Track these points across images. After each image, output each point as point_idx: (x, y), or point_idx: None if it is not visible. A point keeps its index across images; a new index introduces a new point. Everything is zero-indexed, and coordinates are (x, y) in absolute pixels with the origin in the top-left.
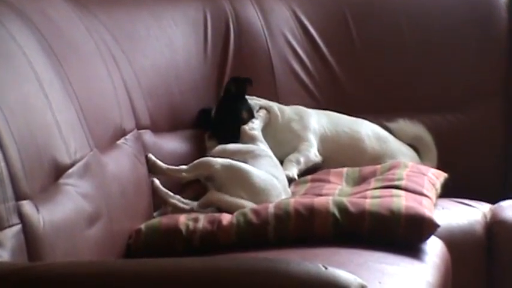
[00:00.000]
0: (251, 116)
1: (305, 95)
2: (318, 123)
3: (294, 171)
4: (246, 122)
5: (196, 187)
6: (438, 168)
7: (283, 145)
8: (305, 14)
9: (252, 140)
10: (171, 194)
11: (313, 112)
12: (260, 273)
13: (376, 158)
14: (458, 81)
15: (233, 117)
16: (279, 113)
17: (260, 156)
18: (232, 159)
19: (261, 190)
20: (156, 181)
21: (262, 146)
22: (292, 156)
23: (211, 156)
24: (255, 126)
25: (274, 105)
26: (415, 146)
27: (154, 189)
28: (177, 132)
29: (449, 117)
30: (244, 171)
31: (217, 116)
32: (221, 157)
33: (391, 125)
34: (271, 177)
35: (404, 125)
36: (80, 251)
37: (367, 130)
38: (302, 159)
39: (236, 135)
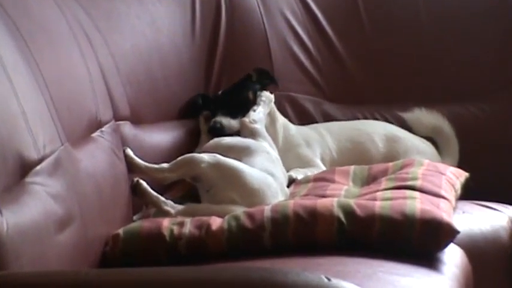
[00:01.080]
0: (255, 100)
1: (307, 83)
2: (322, 148)
3: (299, 175)
4: (250, 102)
5: (182, 186)
6: (459, 165)
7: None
8: None
9: (252, 134)
10: (155, 194)
11: (314, 134)
12: (254, 285)
13: (387, 162)
14: (481, 68)
15: (238, 94)
16: (280, 130)
17: (256, 152)
18: (226, 155)
19: (254, 191)
20: (143, 183)
21: (263, 142)
22: (301, 169)
23: (203, 151)
24: (256, 118)
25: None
26: (433, 140)
27: (139, 191)
28: (161, 124)
29: (471, 108)
30: (235, 170)
31: (220, 95)
32: (215, 152)
33: (406, 116)
34: (266, 175)
35: (421, 115)
36: (49, 259)
37: (371, 135)
38: (310, 173)
39: (235, 113)
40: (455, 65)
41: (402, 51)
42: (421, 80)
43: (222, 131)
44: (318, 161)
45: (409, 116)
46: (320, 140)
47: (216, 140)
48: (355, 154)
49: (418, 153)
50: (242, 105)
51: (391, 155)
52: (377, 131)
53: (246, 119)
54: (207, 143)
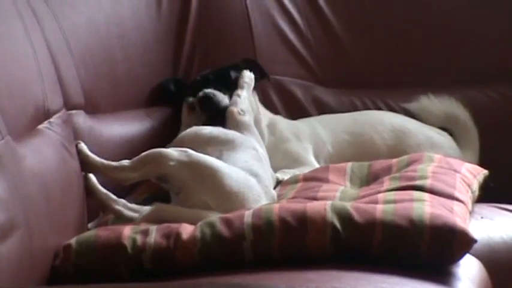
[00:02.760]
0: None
1: (295, 64)
2: (316, 142)
3: (286, 176)
4: (232, 84)
5: (148, 186)
6: (480, 160)
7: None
8: None
9: (237, 127)
10: (114, 197)
11: (305, 127)
12: None
13: (395, 157)
14: (499, 45)
15: (220, 75)
16: (265, 130)
17: (240, 148)
18: (205, 147)
19: (232, 194)
20: (93, 178)
21: (250, 137)
22: (289, 169)
23: (177, 143)
24: (244, 108)
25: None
26: (448, 130)
27: (89, 190)
28: (122, 114)
29: (488, 92)
30: (210, 169)
31: (199, 79)
32: (193, 143)
33: (412, 106)
34: (247, 176)
35: (429, 103)
36: None
37: (375, 126)
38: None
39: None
40: (468, 44)
41: (407, 28)
42: (430, 60)
43: (215, 105)
44: (311, 158)
45: (414, 106)
46: (311, 132)
47: (195, 129)
48: (356, 148)
49: (433, 147)
50: (227, 86)
51: (400, 149)
52: (381, 121)
53: (234, 109)
54: (184, 132)
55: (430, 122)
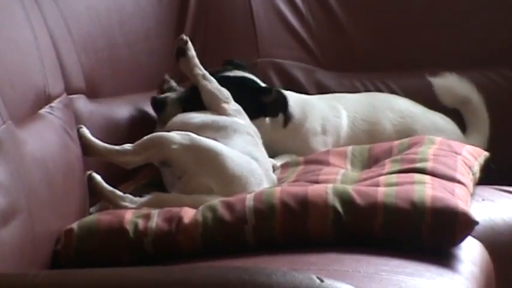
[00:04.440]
0: None
1: (296, 47)
2: (337, 133)
3: (280, 162)
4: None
5: (148, 172)
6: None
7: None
8: None
9: (217, 103)
10: (119, 193)
11: (332, 117)
12: None
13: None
14: (507, 30)
15: None
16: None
17: (235, 133)
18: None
19: (235, 178)
20: (97, 177)
21: (244, 122)
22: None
23: (166, 129)
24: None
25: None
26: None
27: (95, 188)
28: (123, 98)
29: (493, 76)
30: (213, 153)
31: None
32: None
33: (436, 82)
34: (249, 159)
35: (454, 82)
36: None
37: (386, 113)
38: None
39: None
40: (472, 26)
41: (409, 11)
42: (432, 43)
43: (162, 109)
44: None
45: (439, 82)
46: (336, 123)
47: (181, 117)
48: (370, 137)
49: (437, 132)
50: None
51: (406, 135)
52: (391, 107)
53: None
54: (172, 120)
55: (446, 101)
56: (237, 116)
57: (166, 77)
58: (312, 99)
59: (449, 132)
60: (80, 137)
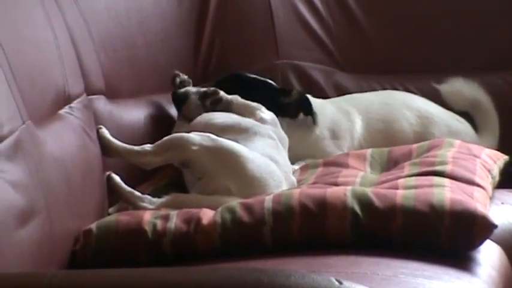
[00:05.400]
0: None
1: (316, 49)
2: (351, 137)
3: (298, 165)
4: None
5: (167, 172)
6: (499, 146)
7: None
8: None
9: (250, 113)
10: (138, 194)
11: (341, 118)
12: None
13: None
14: None
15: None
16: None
17: (256, 135)
18: (218, 136)
19: (255, 180)
20: (116, 178)
21: (267, 125)
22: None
23: (189, 128)
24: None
25: None
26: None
27: (113, 189)
28: (142, 99)
29: (508, 77)
30: (233, 155)
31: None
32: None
33: (443, 88)
34: (268, 161)
35: (461, 86)
36: (7, 258)
37: (402, 111)
38: None
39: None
40: (491, 30)
41: (430, 14)
42: (449, 46)
43: (183, 103)
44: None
45: (446, 88)
46: (349, 127)
47: (206, 117)
48: (387, 137)
49: (452, 134)
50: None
51: (424, 136)
52: (408, 105)
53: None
54: (195, 120)
55: (456, 105)
56: (266, 123)
57: (177, 71)
58: (322, 103)
59: (463, 134)
60: (99, 138)
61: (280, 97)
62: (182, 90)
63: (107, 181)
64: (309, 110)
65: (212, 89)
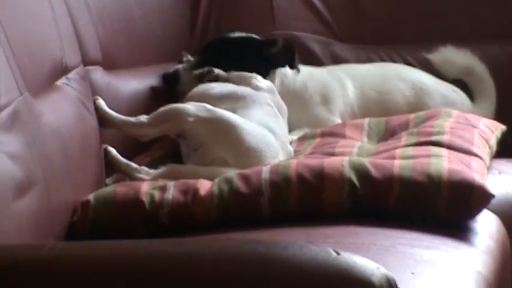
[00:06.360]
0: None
1: (313, 19)
2: (344, 103)
3: (296, 136)
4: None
5: (163, 144)
6: (496, 115)
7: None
8: None
9: (246, 82)
10: (135, 165)
11: (334, 84)
12: (247, 260)
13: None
14: None
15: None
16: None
17: (254, 103)
18: (216, 107)
19: (251, 151)
20: (113, 150)
21: (265, 93)
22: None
23: (185, 100)
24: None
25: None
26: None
27: (110, 162)
28: (140, 69)
29: (507, 48)
30: (229, 125)
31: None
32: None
33: (433, 57)
34: (265, 131)
35: (451, 54)
36: (5, 230)
37: (398, 83)
38: None
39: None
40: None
41: None
42: (448, 17)
43: (176, 83)
44: (335, 120)
45: (436, 57)
46: (341, 92)
47: (202, 87)
48: (381, 108)
49: (447, 104)
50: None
51: (418, 107)
52: (403, 77)
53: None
54: (192, 91)
55: (450, 73)
56: (262, 90)
57: (183, 53)
58: (316, 70)
59: (459, 104)
60: (96, 109)
61: (268, 48)
62: (171, 70)
63: (104, 154)
64: (292, 57)
65: (206, 69)
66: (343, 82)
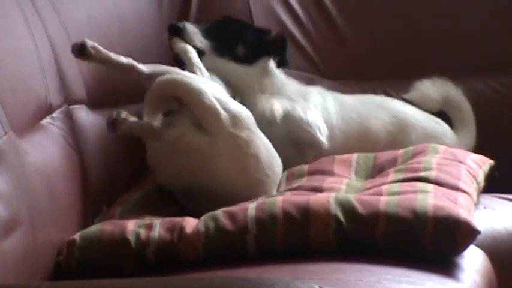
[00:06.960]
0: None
1: (297, 56)
2: (322, 110)
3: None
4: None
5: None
6: (479, 151)
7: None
8: None
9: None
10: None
11: (316, 91)
12: None
13: (394, 144)
14: (503, 36)
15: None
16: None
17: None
18: None
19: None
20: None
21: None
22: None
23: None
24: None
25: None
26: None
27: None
28: (125, 108)
29: (492, 83)
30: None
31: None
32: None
33: (410, 96)
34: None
35: (427, 89)
36: None
37: (378, 110)
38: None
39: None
40: (470, 34)
41: (410, 19)
42: (432, 52)
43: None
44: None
45: (413, 95)
46: (321, 101)
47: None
48: (360, 133)
49: (428, 136)
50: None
51: (398, 138)
52: (385, 105)
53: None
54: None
55: (429, 107)
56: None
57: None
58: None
59: (441, 136)
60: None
61: (261, 35)
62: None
63: (115, 124)
64: (283, 48)
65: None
66: (325, 97)
